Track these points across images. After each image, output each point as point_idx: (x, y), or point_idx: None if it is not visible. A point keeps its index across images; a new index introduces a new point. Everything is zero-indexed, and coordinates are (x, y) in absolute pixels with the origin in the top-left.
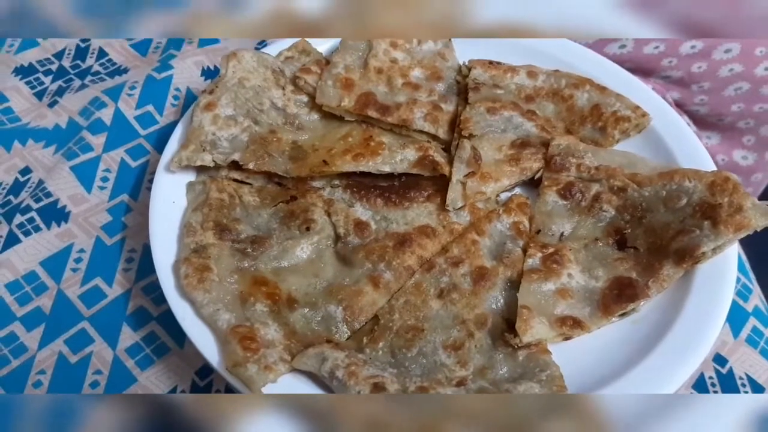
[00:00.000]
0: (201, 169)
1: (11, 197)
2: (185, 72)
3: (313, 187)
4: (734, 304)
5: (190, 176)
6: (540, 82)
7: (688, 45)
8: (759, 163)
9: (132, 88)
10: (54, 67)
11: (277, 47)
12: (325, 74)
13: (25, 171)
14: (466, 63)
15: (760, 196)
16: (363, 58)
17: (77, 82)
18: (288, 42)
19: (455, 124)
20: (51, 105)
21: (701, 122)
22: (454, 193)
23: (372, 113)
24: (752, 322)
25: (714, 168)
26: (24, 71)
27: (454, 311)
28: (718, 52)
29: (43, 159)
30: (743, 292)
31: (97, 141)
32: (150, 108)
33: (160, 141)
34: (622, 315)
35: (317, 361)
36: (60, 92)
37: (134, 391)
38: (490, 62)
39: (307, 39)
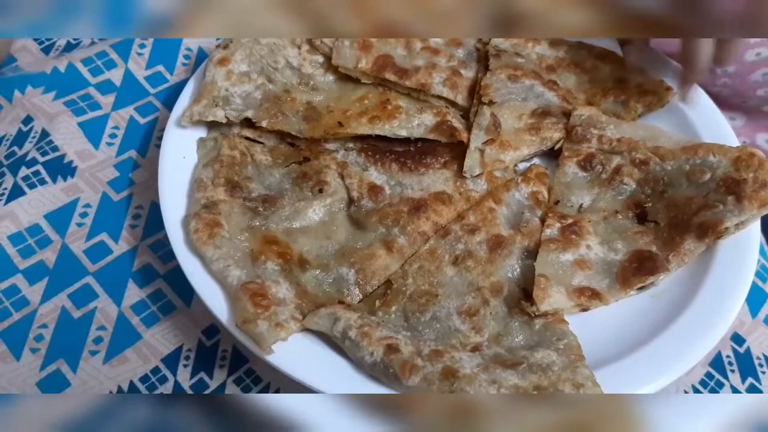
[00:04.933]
0: (212, 126)
1: (15, 148)
2: None
3: (327, 150)
4: (753, 284)
5: (201, 132)
6: (562, 53)
7: None
8: None
9: (141, 46)
10: None
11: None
12: None
13: (27, 120)
14: None
15: None
16: None
17: (87, 39)
18: None
19: (474, 90)
20: (57, 57)
21: (724, 103)
22: (471, 160)
23: (389, 76)
24: None
25: (738, 144)
26: None
27: (469, 278)
28: None
29: (43, 105)
30: (762, 273)
31: (106, 101)
32: (160, 68)
33: (170, 98)
34: (641, 288)
35: (329, 321)
36: (69, 48)
37: (138, 349)
38: None
39: None
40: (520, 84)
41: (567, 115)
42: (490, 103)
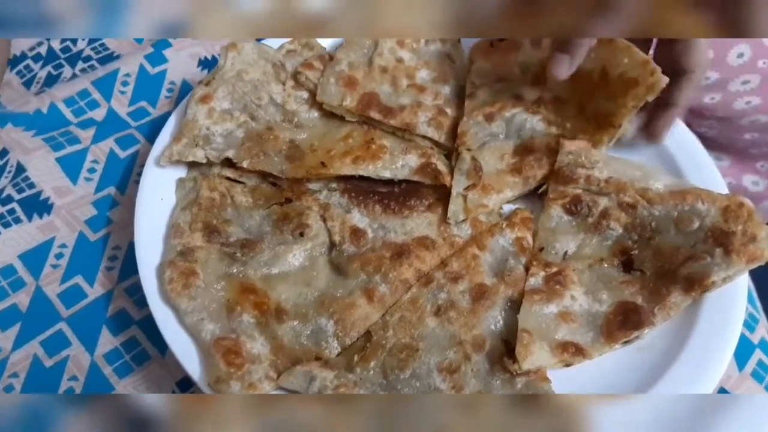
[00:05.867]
0: (192, 165)
1: None
2: (180, 65)
3: (309, 190)
4: (740, 334)
5: (181, 171)
6: (546, 51)
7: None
8: None
9: (124, 84)
10: (43, 50)
11: (279, 39)
12: (327, 71)
13: (3, 153)
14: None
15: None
16: (368, 56)
17: (68, 71)
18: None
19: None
20: (38, 94)
21: (710, 143)
22: (455, 206)
23: (374, 115)
24: (758, 354)
25: (725, 190)
26: (15, 61)
27: (451, 330)
28: (735, 83)
29: (21, 140)
30: (749, 323)
31: (86, 134)
32: (143, 103)
33: (152, 131)
34: (626, 342)
35: (304, 380)
36: (49, 81)
37: None
38: (491, 44)
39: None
40: (498, 120)
41: (551, 148)
42: (469, 150)
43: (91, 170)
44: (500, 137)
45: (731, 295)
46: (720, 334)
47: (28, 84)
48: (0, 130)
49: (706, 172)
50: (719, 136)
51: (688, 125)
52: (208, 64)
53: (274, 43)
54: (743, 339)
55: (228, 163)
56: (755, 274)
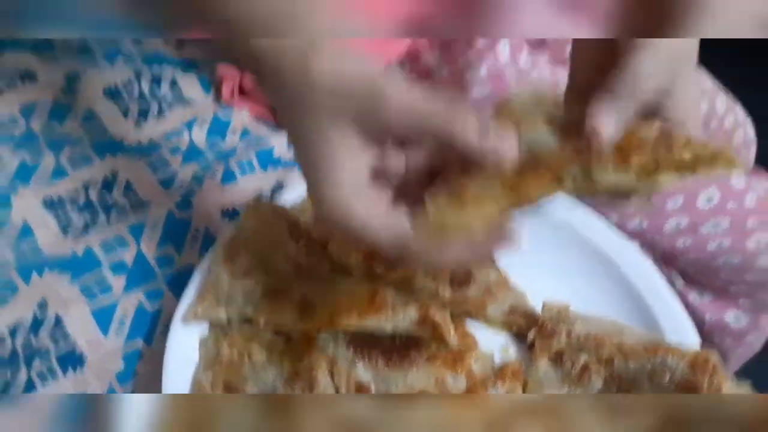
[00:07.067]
0: (214, 323)
1: (32, 337)
2: (204, 212)
3: (319, 341)
4: None
5: (204, 328)
6: None
7: (673, 222)
8: (752, 325)
9: (153, 227)
10: (81, 200)
11: (294, 195)
12: None
13: (42, 304)
14: None
15: (752, 359)
16: None
17: (103, 218)
18: (304, 190)
19: (455, 280)
20: (76, 238)
21: (692, 281)
22: None
23: (378, 268)
24: None
25: (697, 342)
26: (53, 204)
27: None
28: (706, 227)
29: (59, 289)
30: None
31: (118, 283)
32: (170, 249)
33: (177, 284)
34: None
35: None
36: (86, 229)
37: None
38: None
39: None
40: None
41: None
42: None
43: (122, 323)
44: None
45: None
46: None
47: (64, 230)
48: (40, 280)
49: (676, 316)
50: (697, 273)
51: (667, 261)
52: (230, 214)
53: (289, 197)
54: None
55: (245, 319)
56: None
